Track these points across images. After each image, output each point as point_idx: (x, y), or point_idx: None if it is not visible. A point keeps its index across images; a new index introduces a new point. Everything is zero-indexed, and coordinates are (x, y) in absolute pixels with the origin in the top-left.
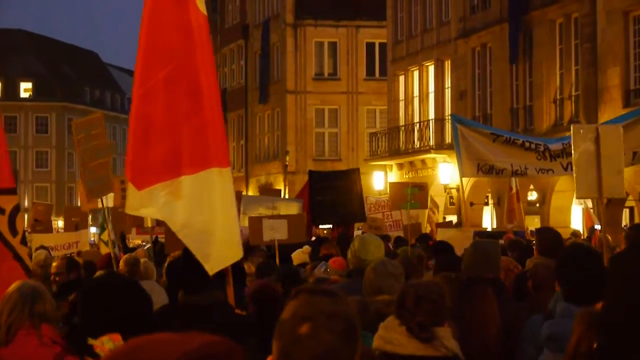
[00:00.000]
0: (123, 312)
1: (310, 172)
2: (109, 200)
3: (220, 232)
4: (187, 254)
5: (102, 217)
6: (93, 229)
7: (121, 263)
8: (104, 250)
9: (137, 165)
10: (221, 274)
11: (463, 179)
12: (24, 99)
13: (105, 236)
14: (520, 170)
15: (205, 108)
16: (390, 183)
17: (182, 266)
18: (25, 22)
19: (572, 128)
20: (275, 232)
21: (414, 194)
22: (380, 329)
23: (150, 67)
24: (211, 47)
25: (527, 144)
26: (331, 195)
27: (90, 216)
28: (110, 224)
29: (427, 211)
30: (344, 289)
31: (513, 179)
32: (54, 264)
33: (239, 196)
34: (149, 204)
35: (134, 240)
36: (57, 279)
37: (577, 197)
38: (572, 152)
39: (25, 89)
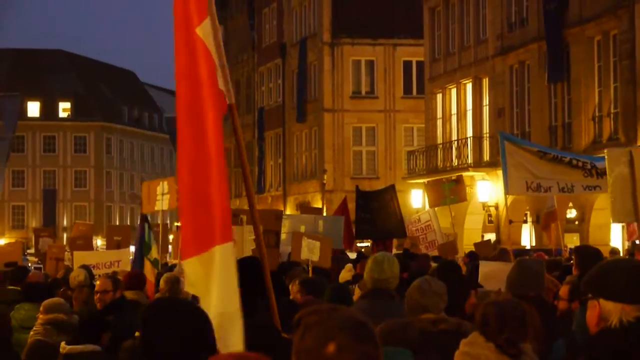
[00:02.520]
0: (188, 342)
1: (357, 190)
2: (164, 203)
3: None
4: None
5: (148, 236)
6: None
7: (161, 282)
8: (149, 269)
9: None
10: (266, 296)
11: (503, 196)
12: (63, 119)
13: (152, 255)
14: (566, 187)
15: (211, 176)
16: (425, 182)
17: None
18: (64, 43)
19: (606, 153)
20: (310, 253)
21: (450, 188)
22: (463, 345)
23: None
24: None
25: (574, 162)
26: (372, 212)
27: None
28: (154, 242)
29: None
30: (363, 311)
31: (553, 197)
32: (98, 282)
33: (279, 215)
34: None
35: (173, 259)
36: (102, 297)
37: (613, 222)
38: (607, 176)
39: (64, 108)
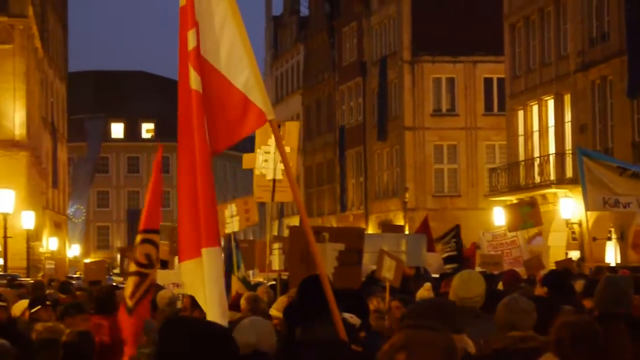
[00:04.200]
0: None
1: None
2: (234, 225)
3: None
4: (302, 291)
5: (236, 254)
6: None
7: (242, 300)
8: (236, 287)
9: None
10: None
11: (586, 213)
12: (146, 140)
13: (241, 273)
14: None
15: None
16: (504, 207)
17: (298, 303)
18: (146, 64)
19: None
20: (387, 271)
21: (528, 212)
22: None
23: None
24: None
25: None
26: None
27: None
28: (242, 261)
29: (548, 249)
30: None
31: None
32: (184, 300)
33: (361, 233)
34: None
35: (256, 277)
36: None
37: None
38: None
39: (147, 129)
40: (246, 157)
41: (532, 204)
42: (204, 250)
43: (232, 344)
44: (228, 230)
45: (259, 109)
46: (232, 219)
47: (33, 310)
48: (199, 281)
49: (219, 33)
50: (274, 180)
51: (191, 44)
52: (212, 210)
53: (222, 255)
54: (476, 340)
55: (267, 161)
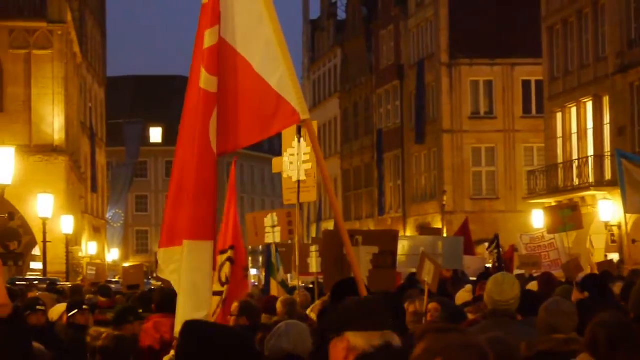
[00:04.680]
0: None
1: None
2: (275, 236)
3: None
4: (334, 294)
5: (275, 258)
6: (254, 271)
7: (278, 304)
8: (275, 291)
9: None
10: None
11: (625, 215)
12: None
13: (279, 276)
14: None
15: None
16: (544, 209)
17: (330, 306)
18: (184, 69)
19: None
20: (426, 275)
21: (568, 215)
22: None
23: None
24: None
25: None
26: None
27: (249, 258)
28: (281, 264)
29: (587, 252)
30: (481, 331)
31: None
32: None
33: (395, 236)
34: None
35: (293, 281)
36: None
37: None
38: None
39: None
40: (275, 161)
41: (574, 207)
42: (185, 242)
43: (250, 351)
44: (268, 240)
45: (292, 107)
46: (272, 229)
47: (70, 314)
48: (175, 269)
49: (254, 31)
50: (299, 182)
51: (207, 42)
52: (206, 205)
53: (210, 251)
54: (517, 343)
55: (292, 163)
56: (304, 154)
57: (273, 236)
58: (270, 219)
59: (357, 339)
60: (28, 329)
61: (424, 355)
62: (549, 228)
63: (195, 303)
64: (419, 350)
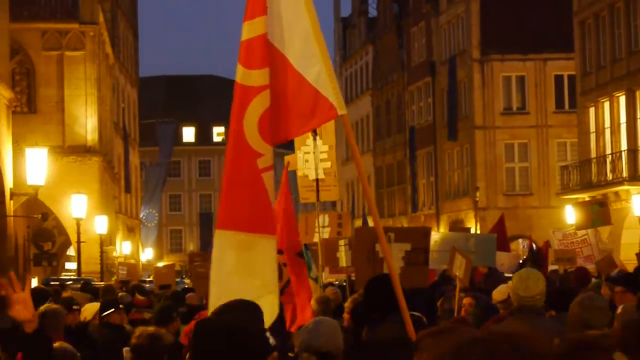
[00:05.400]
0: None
1: None
2: (324, 234)
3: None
4: (368, 291)
5: (306, 255)
6: None
7: (313, 302)
8: (312, 287)
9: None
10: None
11: None
12: (218, 143)
13: (313, 273)
14: None
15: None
16: (574, 205)
17: (364, 304)
18: (216, 68)
19: None
20: (457, 269)
21: (597, 211)
22: None
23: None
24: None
25: None
26: None
27: None
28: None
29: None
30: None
31: None
32: None
33: (427, 232)
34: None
35: (327, 279)
36: None
37: None
38: None
39: (218, 132)
40: (290, 159)
41: (602, 203)
42: (216, 231)
43: (262, 344)
44: (316, 239)
45: (329, 102)
46: (322, 230)
47: (105, 313)
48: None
49: (292, 27)
50: (317, 180)
51: (244, 35)
52: (236, 196)
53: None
54: (548, 338)
55: (307, 161)
56: (321, 152)
57: (321, 234)
58: (322, 219)
59: None
60: (49, 345)
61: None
62: (578, 224)
63: (219, 293)
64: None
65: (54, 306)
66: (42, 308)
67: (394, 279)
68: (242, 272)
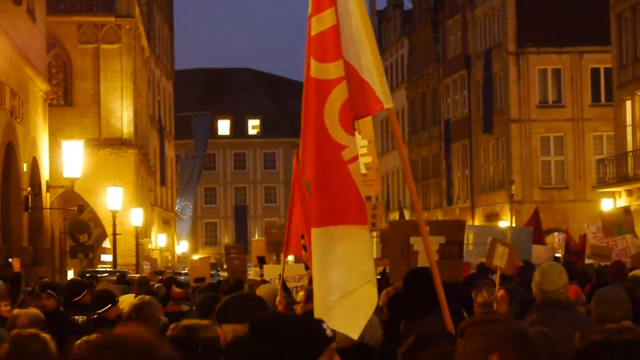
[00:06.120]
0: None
1: None
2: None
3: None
4: (408, 284)
5: None
6: None
7: None
8: None
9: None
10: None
11: None
12: (253, 136)
13: None
14: None
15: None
16: (599, 212)
17: (403, 296)
18: (252, 61)
19: None
20: (498, 259)
21: (622, 218)
22: None
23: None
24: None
25: None
26: None
27: None
28: None
29: None
30: (533, 324)
31: None
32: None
33: (462, 226)
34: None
35: None
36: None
37: None
38: None
39: (253, 125)
40: None
41: (627, 212)
42: (312, 230)
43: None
44: None
45: (376, 95)
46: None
47: None
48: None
49: (345, 19)
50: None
51: (313, 29)
52: (326, 191)
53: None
54: (567, 334)
55: None
56: (360, 147)
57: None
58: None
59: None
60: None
61: (477, 354)
62: (604, 230)
63: (323, 295)
64: (467, 348)
65: (148, 297)
66: (137, 300)
67: (433, 272)
68: (341, 265)
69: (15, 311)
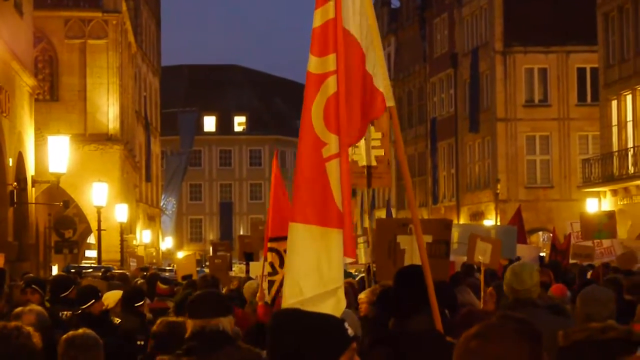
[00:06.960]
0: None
1: None
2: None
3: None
4: (398, 281)
5: None
6: None
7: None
8: None
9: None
10: (428, 303)
11: None
12: (238, 133)
13: None
14: None
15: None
16: (580, 213)
17: (393, 294)
18: (239, 58)
19: None
20: (481, 255)
21: (604, 223)
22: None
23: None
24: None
25: None
26: None
27: None
28: None
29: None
30: None
31: None
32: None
33: (448, 224)
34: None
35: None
36: None
37: None
38: None
39: (239, 122)
40: None
41: (610, 215)
42: (290, 224)
43: (342, 335)
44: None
45: (382, 94)
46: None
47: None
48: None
49: (359, 12)
50: (369, 167)
51: (315, 22)
52: (305, 189)
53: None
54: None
55: (357, 147)
56: (373, 139)
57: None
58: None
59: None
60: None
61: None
62: (583, 232)
63: (294, 289)
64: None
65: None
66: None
67: (425, 270)
68: (315, 265)
69: (19, 309)
